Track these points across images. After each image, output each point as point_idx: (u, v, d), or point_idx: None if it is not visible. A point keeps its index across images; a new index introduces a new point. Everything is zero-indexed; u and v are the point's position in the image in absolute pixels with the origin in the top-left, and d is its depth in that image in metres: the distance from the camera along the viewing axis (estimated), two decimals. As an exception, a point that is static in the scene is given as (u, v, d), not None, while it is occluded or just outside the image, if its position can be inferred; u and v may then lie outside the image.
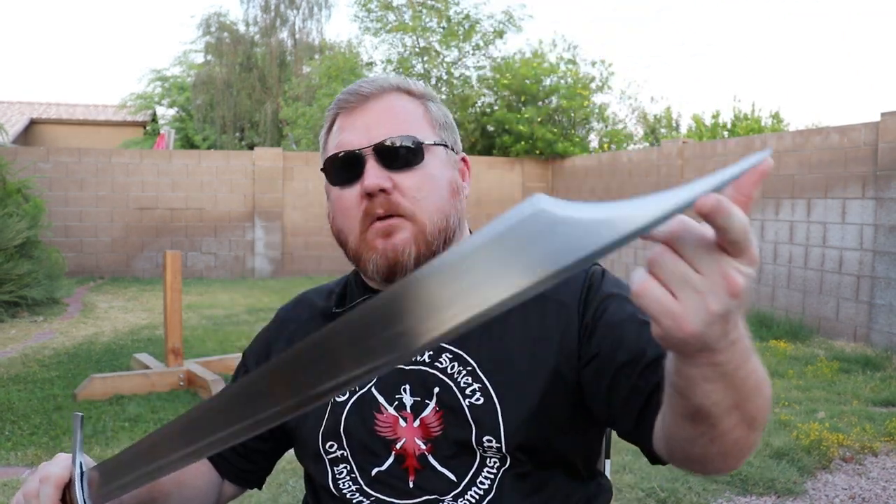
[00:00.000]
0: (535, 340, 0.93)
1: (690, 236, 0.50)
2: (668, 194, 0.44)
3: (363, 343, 0.46)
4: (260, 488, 1.18)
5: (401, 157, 0.93)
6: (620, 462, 3.28)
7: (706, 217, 0.47)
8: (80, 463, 0.83)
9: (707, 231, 0.49)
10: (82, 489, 0.80)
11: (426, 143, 0.95)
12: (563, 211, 0.43)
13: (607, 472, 1.12)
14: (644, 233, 0.43)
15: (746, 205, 0.49)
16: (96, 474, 0.79)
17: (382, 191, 0.91)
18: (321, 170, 1.01)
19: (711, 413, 0.62)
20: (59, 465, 0.85)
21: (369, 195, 0.92)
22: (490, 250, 0.43)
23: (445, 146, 0.99)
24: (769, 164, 0.48)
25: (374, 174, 0.92)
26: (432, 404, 0.93)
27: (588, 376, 0.90)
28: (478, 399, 0.91)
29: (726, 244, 0.49)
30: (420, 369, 0.94)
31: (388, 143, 0.93)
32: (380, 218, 0.92)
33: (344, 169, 0.95)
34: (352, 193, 0.94)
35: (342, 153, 0.95)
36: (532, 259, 0.42)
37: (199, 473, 1.08)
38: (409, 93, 0.99)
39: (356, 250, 0.96)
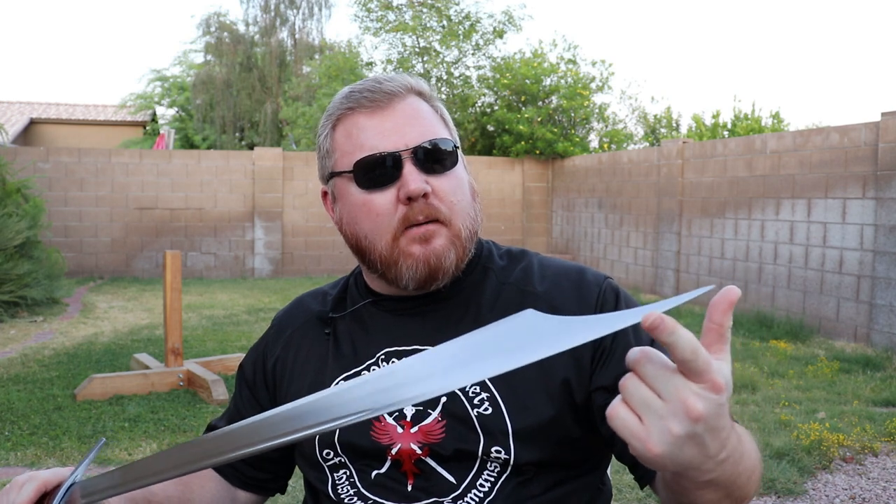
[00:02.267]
0: None
1: (652, 364, 0.53)
2: (621, 313, 0.54)
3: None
4: (283, 493, 1.16)
5: (439, 160, 0.91)
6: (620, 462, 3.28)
7: (651, 332, 0.50)
8: (76, 476, 0.84)
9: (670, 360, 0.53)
10: (62, 497, 0.82)
11: (455, 146, 0.94)
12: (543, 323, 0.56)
13: (608, 473, 1.12)
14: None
15: (719, 333, 0.53)
16: (79, 489, 0.80)
17: (423, 195, 0.89)
18: (333, 173, 0.95)
19: None
20: (52, 471, 0.86)
21: (410, 200, 0.88)
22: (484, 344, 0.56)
23: (459, 148, 0.97)
24: (736, 294, 0.52)
25: (415, 178, 0.88)
26: (435, 413, 0.91)
27: (599, 401, 0.89)
28: (486, 409, 0.89)
29: (680, 365, 0.51)
30: None
31: (427, 146, 0.90)
32: (416, 224, 0.89)
33: (376, 172, 0.90)
34: (384, 198, 0.90)
35: (380, 154, 0.89)
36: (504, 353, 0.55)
37: (206, 488, 1.07)
38: (421, 94, 0.96)
39: (387, 257, 0.91)
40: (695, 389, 0.52)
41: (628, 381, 0.54)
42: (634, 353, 0.54)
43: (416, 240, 0.90)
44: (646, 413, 0.53)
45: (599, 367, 0.89)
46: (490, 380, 0.90)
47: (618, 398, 0.55)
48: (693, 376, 0.51)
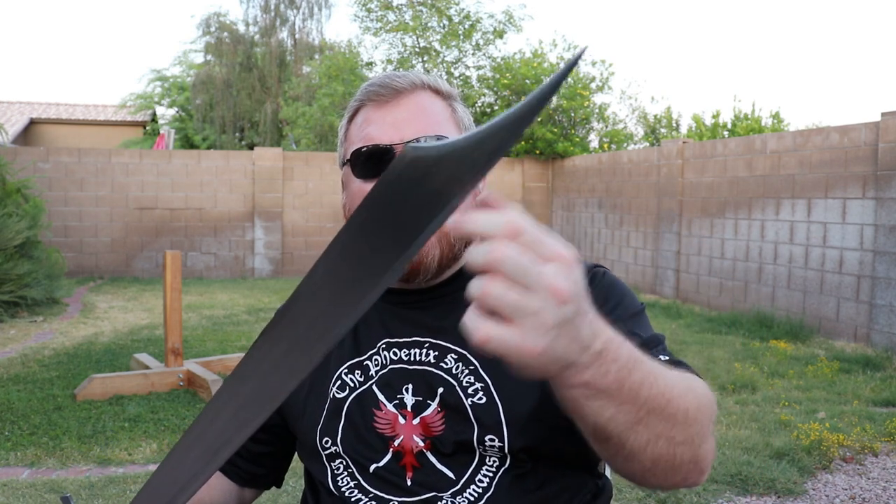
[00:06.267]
0: None
1: (523, 251, 0.48)
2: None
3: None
4: (279, 486, 1.18)
5: None
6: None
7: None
8: None
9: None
10: None
11: None
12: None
13: (608, 473, 1.12)
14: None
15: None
16: None
17: None
18: (344, 162, 0.99)
19: (610, 431, 0.61)
20: None
21: None
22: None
23: None
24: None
25: None
26: (434, 404, 0.92)
27: None
28: (480, 398, 0.90)
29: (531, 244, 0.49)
30: (424, 369, 0.94)
31: (419, 141, 0.91)
32: None
33: (370, 163, 0.93)
34: None
35: (371, 147, 0.93)
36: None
37: (214, 490, 1.08)
38: (438, 92, 0.99)
39: None
40: (554, 269, 0.48)
41: (491, 287, 0.48)
42: (490, 250, 0.48)
43: None
44: (519, 314, 0.48)
45: None
46: (483, 369, 0.91)
47: (476, 315, 0.49)
48: (542, 250, 0.48)
